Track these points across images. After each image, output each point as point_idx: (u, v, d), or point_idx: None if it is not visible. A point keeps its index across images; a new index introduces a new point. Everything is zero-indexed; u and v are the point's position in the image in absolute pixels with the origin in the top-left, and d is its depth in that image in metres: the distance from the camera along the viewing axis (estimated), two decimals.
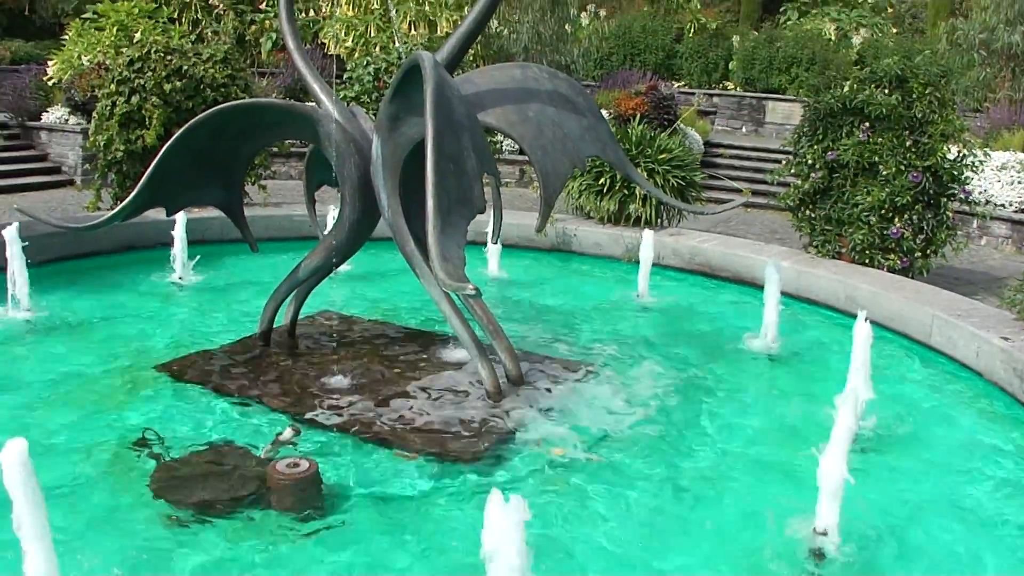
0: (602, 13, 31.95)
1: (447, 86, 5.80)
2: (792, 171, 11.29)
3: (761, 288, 8.80)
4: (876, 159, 10.40)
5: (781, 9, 33.82)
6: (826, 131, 10.86)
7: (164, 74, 12.58)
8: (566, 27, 22.71)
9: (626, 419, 6.66)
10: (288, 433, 5.88)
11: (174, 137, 7.01)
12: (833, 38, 28.06)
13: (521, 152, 16.99)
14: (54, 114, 19.17)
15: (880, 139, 10.44)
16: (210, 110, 7.18)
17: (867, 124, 10.50)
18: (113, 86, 12.73)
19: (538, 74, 7.23)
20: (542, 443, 6.14)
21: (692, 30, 29.51)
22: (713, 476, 5.92)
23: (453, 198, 5.35)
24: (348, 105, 7.46)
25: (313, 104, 7.29)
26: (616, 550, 5.03)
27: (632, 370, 7.69)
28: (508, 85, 7.00)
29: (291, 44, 7.64)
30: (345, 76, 16.24)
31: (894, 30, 30.81)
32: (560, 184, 6.85)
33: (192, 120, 7.07)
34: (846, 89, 10.92)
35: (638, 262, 10.16)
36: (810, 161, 10.86)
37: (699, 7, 31.75)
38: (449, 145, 5.43)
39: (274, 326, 7.87)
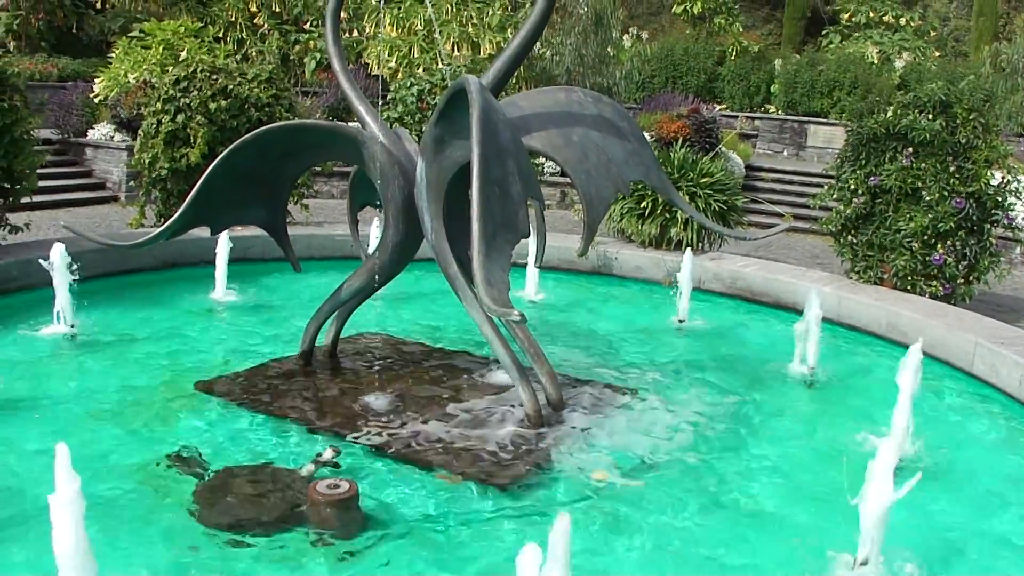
0: (644, 35, 32.02)
1: (493, 110, 5.81)
2: (834, 196, 11.22)
3: (802, 313, 8.74)
4: (919, 185, 10.33)
5: (823, 32, 33.76)
6: (869, 156, 10.80)
7: (209, 93, 12.70)
8: (608, 49, 22.74)
9: (665, 445, 6.62)
10: (329, 453, 5.89)
11: (220, 157, 7.06)
12: (876, 62, 27.98)
13: (563, 174, 16.98)
14: (100, 131, 19.40)
15: (923, 165, 10.37)
16: (256, 131, 7.22)
17: (910, 149, 10.43)
18: (159, 104, 12.86)
19: (583, 98, 7.22)
20: (582, 468, 6.11)
21: (734, 53, 29.50)
22: (752, 504, 5.87)
23: (498, 223, 5.35)
24: (392, 127, 7.48)
25: (358, 125, 7.33)
26: None
27: (672, 395, 7.64)
28: (553, 109, 7.00)
29: (336, 65, 7.68)
30: (388, 97, 16.33)
31: (937, 54, 30.70)
32: (604, 209, 6.84)
33: (237, 140, 7.12)
34: (889, 114, 10.86)
35: (676, 285, 10.13)
36: (852, 186, 10.80)
37: (741, 30, 31.71)
38: (494, 170, 5.44)
39: (315, 346, 7.89)
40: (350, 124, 7.55)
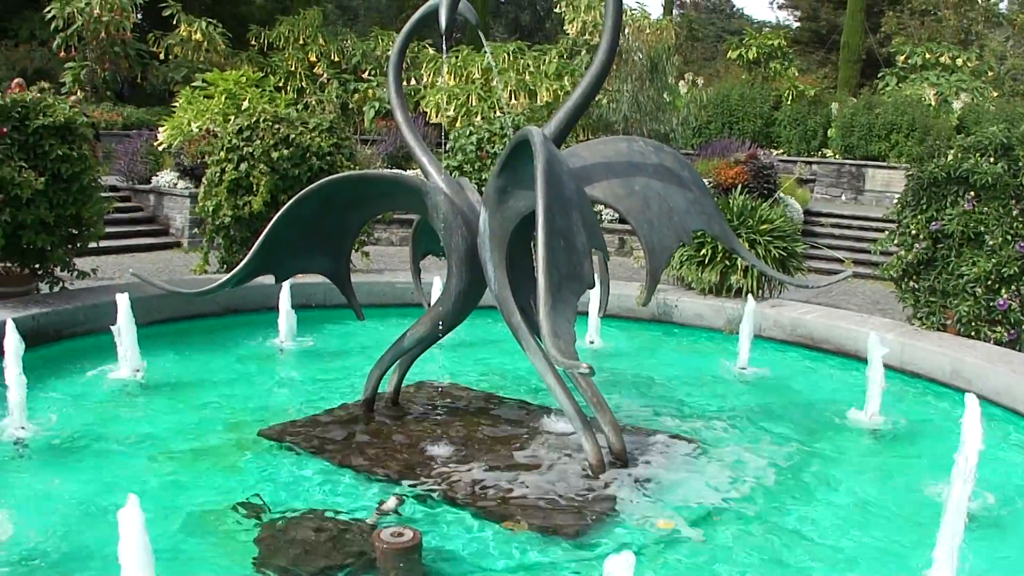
0: (700, 82, 32.06)
1: (557, 162, 5.86)
2: (895, 241, 11.13)
3: (864, 361, 8.66)
4: (982, 229, 10.21)
5: (879, 75, 33.60)
6: (930, 201, 10.69)
7: (272, 142, 12.90)
8: (664, 95, 22.80)
9: (728, 496, 6.55)
10: (392, 502, 5.91)
11: (284, 207, 7.16)
12: (933, 103, 27.77)
13: (622, 221, 17.02)
14: (163, 178, 19.76)
15: (986, 208, 10.26)
16: (319, 181, 7.33)
17: (972, 193, 10.32)
18: (223, 153, 13.09)
19: (644, 147, 7.25)
20: (646, 518, 6.08)
21: (790, 97, 29.45)
22: (819, 558, 5.79)
23: (563, 274, 5.37)
24: (452, 175, 7.56)
25: (421, 175, 7.40)
26: None
27: (734, 445, 7.58)
28: (614, 159, 7.04)
29: (399, 116, 7.78)
30: (448, 145, 16.47)
31: (995, 94, 30.41)
32: (666, 258, 6.85)
33: (303, 190, 7.22)
34: (950, 158, 10.77)
35: (739, 333, 10.08)
36: (914, 231, 10.70)
37: (796, 74, 31.67)
38: (559, 221, 5.47)
39: (378, 393, 7.93)
40: (413, 174, 7.61)
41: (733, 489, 6.68)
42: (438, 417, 7.83)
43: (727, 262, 11.78)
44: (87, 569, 5.36)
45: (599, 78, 6.86)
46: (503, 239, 6.75)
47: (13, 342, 7.32)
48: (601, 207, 17.20)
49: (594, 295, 8.58)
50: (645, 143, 7.37)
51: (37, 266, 11.10)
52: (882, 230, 19.20)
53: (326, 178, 7.42)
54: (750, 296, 10.10)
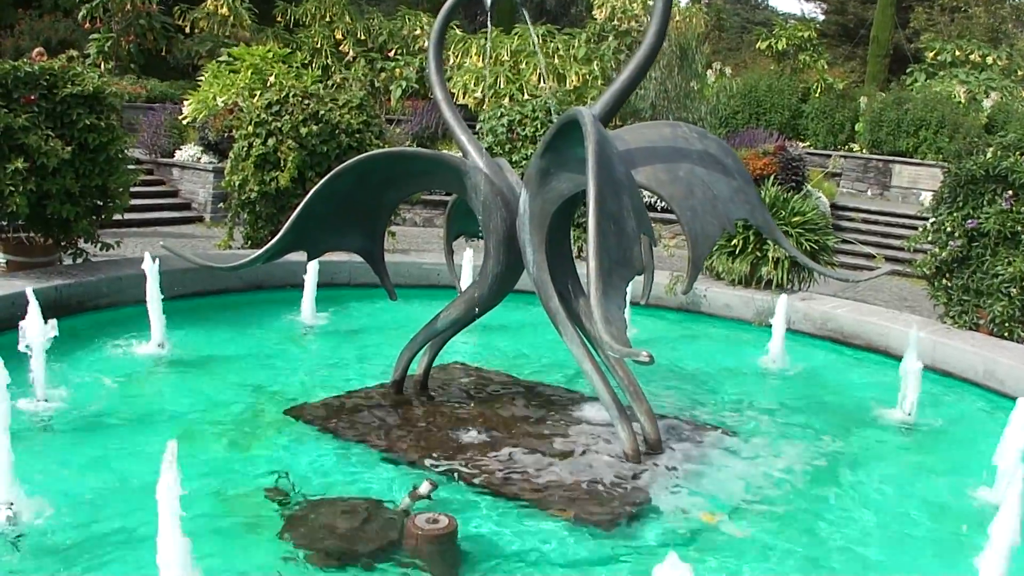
0: (728, 71, 31.82)
1: (608, 144, 5.72)
2: (929, 238, 10.96)
3: (894, 358, 8.52)
4: (1019, 228, 10.02)
5: (907, 71, 33.32)
6: (967, 198, 10.50)
7: (301, 118, 12.79)
8: (692, 84, 22.60)
9: (761, 489, 6.45)
10: (425, 487, 5.78)
11: (320, 183, 7.04)
12: (963, 101, 27.50)
13: (650, 208, 16.91)
14: (187, 152, 19.63)
15: None
16: (357, 157, 7.22)
17: (1010, 192, 10.14)
18: (250, 128, 12.97)
19: (688, 133, 7.10)
20: (682, 510, 5.96)
21: (818, 90, 29.19)
22: (853, 554, 5.68)
23: (614, 259, 5.24)
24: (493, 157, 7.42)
25: (460, 155, 7.27)
26: None
27: (766, 438, 7.47)
28: (658, 144, 6.89)
29: (439, 94, 7.65)
30: (478, 127, 16.34)
31: None
32: (709, 246, 6.71)
33: (339, 166, 7.09)
34: (988, 156, 10.59)
35: (769, 326, 9.93)
36: (949, 228, 10.52)
37: (825, 67, 31.39)
38: (611, 204, 5.33)
39: (407, 375, 7.83)
40: (453, 154, 7.48)
41: (768, 483, 6.58)
42: (469, 401, 7.72)
43: (758, 253, 11.63)
44: (108, 542, 5.30)
45: (647, 61, 6.71)
46: (543, 222, 6.62)
47: (36, 314, 7.21)
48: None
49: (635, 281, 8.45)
50: (689, 129, 7.23)
51: (61, 237, 11.01)
52: (909, 226, 19.06)
53: (364, 154, 7.31)
54: (783, 296, 9.93)
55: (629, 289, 6.43)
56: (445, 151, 8.20)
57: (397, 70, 23.69)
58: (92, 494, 5.83)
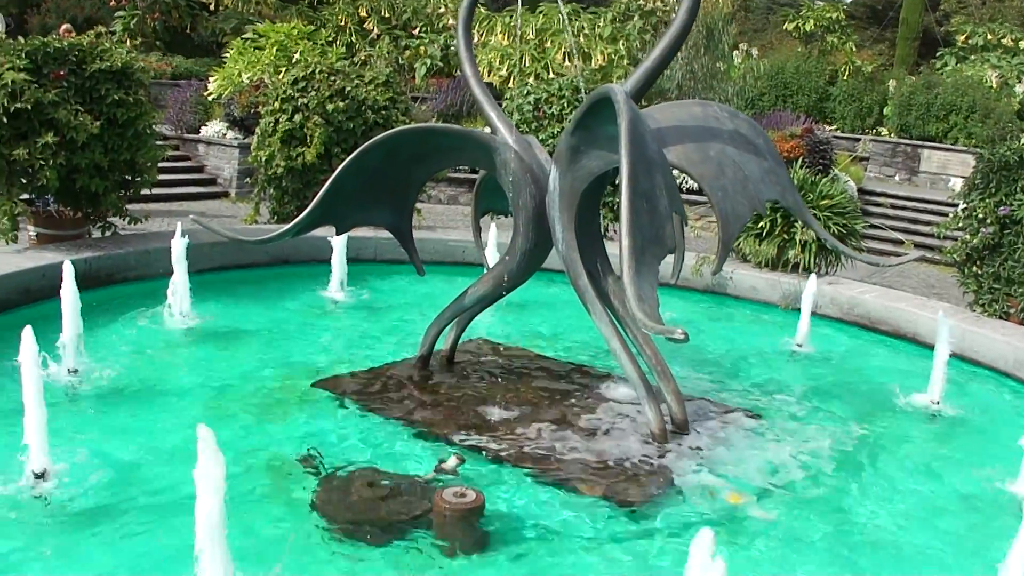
0: (754, 52, 31.60)
1: (640, 121, 5.68)
2: (960, 225, 10.86)
3: (922, 345, 8.45)
4: None
5: (937, 54, 33.00)
6: (999, 185, 10.39)
7: (327, 94, 12.79)
8: (719, 64, 22.48)
9: (787, 473, 6.42)
10: (452, 461, 5.80)
11: (350, 157, 7.02)
12: (995, 86, 27.22)
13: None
14: (212, 128, 19.67)
15: None
16: (386, 132, 7.20)
17: None
18: (277, 103, 12.98)
19: (719, 113, 7.06)
20: (707, 490, 5.95)
21: (846, 72, 28.95)
22: (877, 540, 5.65)
23: (646, 237, 5.20)
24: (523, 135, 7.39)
25: (490, 132, 7.25)
26: None
27: (792, 422, 7.43)
28: (689, 123, 6.85)
29: (468, 70, 7.62)
30: (504, 105, 16.31)
31: None
32: (739, 227, 6.67)
33: (368, 141, 7.08)
34: (1022, 141, 10.47)
35: (795, 310, 9.88)
36: (980, 215, 10.41)
37: (853, 49, 31.13)
38: (643, 182, 5.30)
39: (434, 350, 7.84)
40: (482, 131, 7.45)
41: (794, 466, 6.55)
42: (496, 377, 7.73)
43: (785, 236, 11.56)
44: (134, 506, 5.36)
45: (679, 39, 6.67)
46: (573, 199, 6.60)
47: (70, 285, 7.25)
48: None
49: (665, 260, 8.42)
50: (720, 108, 7.19)
51: (90, 210, 11.06)
52: (938, 212, 18.95)
53: (393, 129, 7.29)
54: (812, 278, 9.87)
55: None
56: (474, 128, 8.15)
57: (421, 48, 23.62)
58: (119, 460, 5.88)
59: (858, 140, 25.94)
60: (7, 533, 4.97)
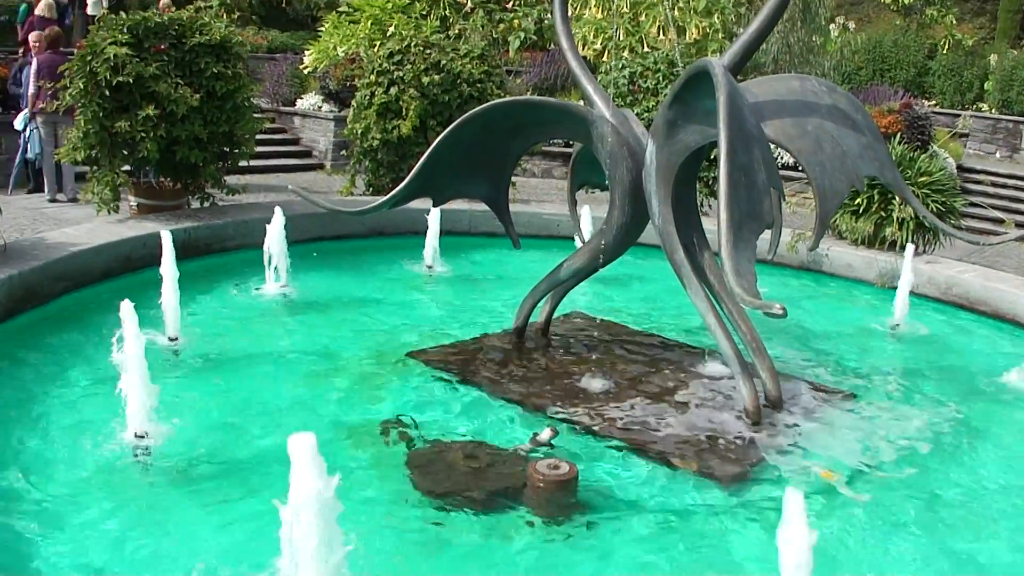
0: (851, 25, 31.00)
1: (739, 95, 5.65)
2: None
3: (1022, 326, 8.23)
4: None
5: None
6: None
7: (423, 67, 12.89)
8: (815, 38, 22.08)
9: (881, 454, 6.32)
10: (547, 434, 5.84)
11: (447, 130, 7.07)
12: None
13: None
14: (308, 101, 19.89)
15: None
16: (485, 105, 7.25)
17: None
18: (373, 76, 13.12)
19: (817, 87, 6.98)
20: (801, 469, 5.91)
21: (946, 46, 28.31)
22: (976, 526, 5.54)
23: (744, 212, 5.18)
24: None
25: (587, 105, 7.25)
26: None
27: (887, 402, 7.33)
28: (787, 97, 6.78)
29: (565, 43, 7.63)
30: (599, 79, 16.26)
31: None
32: (837, 203, 6.60)
33: (466, 114, 7.13)
34: None
35: (891, 288, 9.74)
36: None
37: (954, 22, 30.41)
38: (741, 157, 5.27)
39: (528, 323, 7.89)
40: (579, 104, 7.46)
41: (888, 448, 6.43)
42: (590, 350, 7.75)
43: (882, 213, 11.37)
44: (232, 469, 5.50)
45: (777, 12, 6.58)
46: (670, 173, 6.57)
47: (170, 255, 7.43)
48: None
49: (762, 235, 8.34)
50: (818, 82, 7.10)
51: (189, 181, 11.29)
52: None
53: (491, 102, 7.33)
54: (910, 250, 9.69)
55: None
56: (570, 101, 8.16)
57: (515, 21, 23.56)
58: (216, 425, 6.06)
59: (958, 116, 25.36)
60: (109, 494, 5.13)
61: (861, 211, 11.42)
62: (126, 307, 5.63)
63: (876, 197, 11.27)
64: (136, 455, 5.51)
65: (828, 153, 6.53)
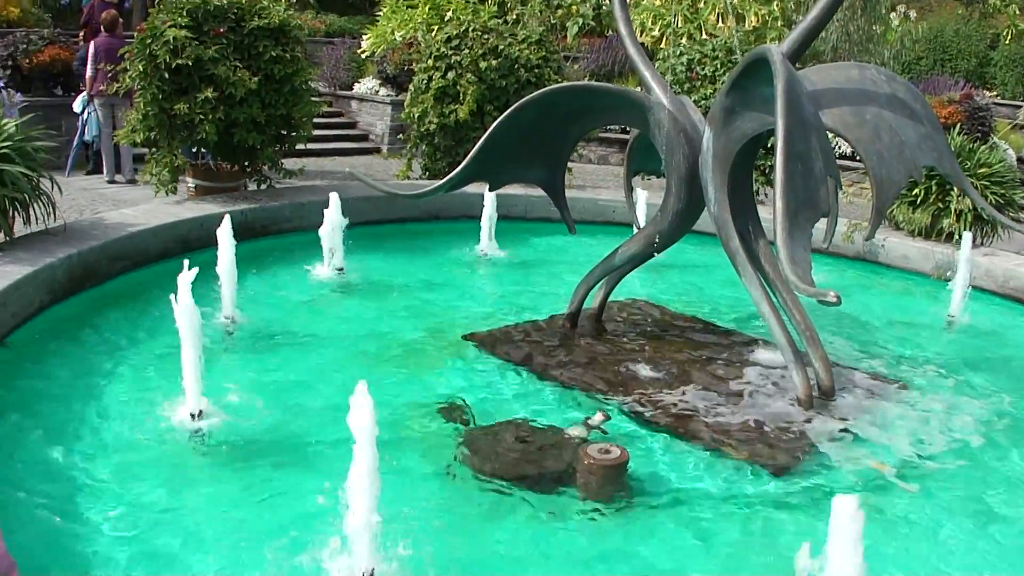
0: (912, 14, 30.65)
1: (797, 83, 5.64)
2: None
3: None
4: None
5: None
6: None
7: (480, 52, 12.92)
8: (875, 27, 21.84)
9: (933, 447, 6.27)
10: (598, 417, 5.87)
11: (505, 114, 7.12)
12: None
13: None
14: (365, 85, 20.02)
15: None
16: (543, 90, 7.28)
17: None
18: (430, 61, 13.18)
19: (876, 76, 6.93)
20: (852, 459, 5.90)
21: (1008, 36, 27.89)
22: (1021, 518, 5.49)
23: (800, 200, 5.19)
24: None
25: (644, 91, 7.26)
26: None
27: (942, 394, 7.26)
28: (845, 85, 6.75)
29: (623, 30, 7.63)
30: (656, 66, 16.23)
31: None
32: (895, 193, 6.56)
33: (524, 98, 7.17)
34: None
35: (947, 280, 9.65)
36: None
37: (1017, 12, 29.95)
38: (799, 144, 5.27)
39: (583, 308, 7.93)
40: (637, 90, 7.47)
41: (941, 441, 6.38)
42: (643, 337, 7.77)
43: (940, 204, 11.25)
44: (283, 446, 5.58)
45: (836, 1, 6.56)
46: (726, 161, 6.58)
47: (228, 237, 7.54)
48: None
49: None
50: (877, 71, 7.05)
51: (247, 163, 11.42)
52: None
53: (549, 87, 7.36)
54: (967, 240, 9.59)
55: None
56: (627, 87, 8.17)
57: (574, 7, 23.52)
58: (271, 403, 6.13)
59: (1019, 107, 24.98)
60: (164, 470, 5.24)
61: (918, 202, 11.32)
62: (184, 279, 5.70)
63: (934, 188, 11.17)
64: (191, 433, 5.60)
65: (886, 142, 6.50)
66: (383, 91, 19.59)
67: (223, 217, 7.63)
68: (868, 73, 6.98)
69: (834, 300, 4.67)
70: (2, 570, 2.74)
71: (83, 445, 5.49)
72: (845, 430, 6.27)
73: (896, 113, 6.68)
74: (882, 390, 7.08)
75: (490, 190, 8.08)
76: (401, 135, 15.82)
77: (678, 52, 13.75)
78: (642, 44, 20.70)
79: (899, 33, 26.68)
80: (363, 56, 20.83)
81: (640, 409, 6.31)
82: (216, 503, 4.97)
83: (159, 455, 5.40)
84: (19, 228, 8.29)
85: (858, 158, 6.63)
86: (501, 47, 12.96)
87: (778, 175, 5.13)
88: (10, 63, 15.09)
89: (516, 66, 12.95)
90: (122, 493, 4.98)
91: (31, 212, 8.21)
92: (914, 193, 11.32)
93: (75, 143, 14.16)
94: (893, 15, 27.89)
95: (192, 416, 5.67)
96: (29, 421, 5.72)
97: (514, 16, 22.72)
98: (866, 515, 3.75)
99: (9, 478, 5.03)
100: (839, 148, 16.62)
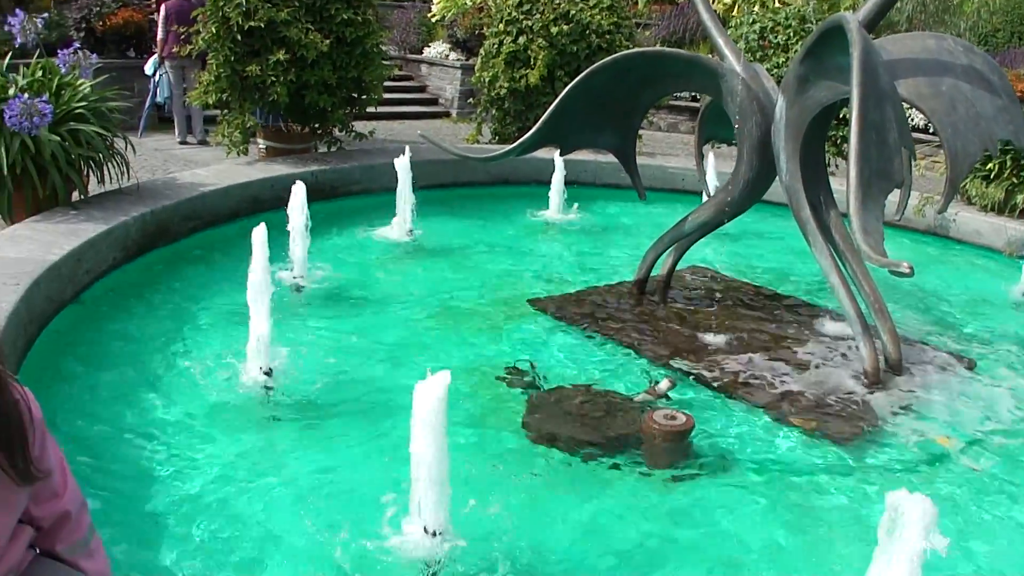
0: None
1: (873, 52, 5.59)
2: None
3: None
4: None
5: None
6: None
7: (551, 17, 12.91)
8: None
9: (1000, 426, 6.15)
10: (665, 384, 5.90)
11: (577, 79, 7.13)
12: None
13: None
14: (435, 49, 20.07)
15: None
16: (615, 55, 7.28)
17: None
18: (501, 26, 13.18)
19: (953, 47, 6.83)
20: (915, 435, 5.85)
21: None
22: None
23: (874, 170, 5.15)
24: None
25: (717, 58, 7.23)
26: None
27: (1011, 373, 7.13)
28: (921, 56, 6.67)
29: None
30: (729, 33, 16.07)
31: None
32: (969, 166, 6.46)
33: (597, 63, 7.17)
34: None
35: (1020, 257, 9.51)
36: None
37: None
38: (873, 114, 5.23)
39: (651, 275, 7.94)
40: (709, 56, 7.43)
41: (1009, 420, 6.27)
42: (711, 305, 7.78)
43: (1014, 179, 11.07)
44: (349, 408, 5.64)
45: None
46: (799, 129, 6.53)
47: (300, 198, 7.64)
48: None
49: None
50: (955, 42, 6.94)
51: (317, 125, 11.52)
52: None
53: (622, 53, 7.35)
54: None
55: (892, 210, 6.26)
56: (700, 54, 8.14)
57: None
58: (341, 363, 6.22)
59: None
60: (236, 426, 5.32)
61: (992, 176, 11.15)
62: (257, 239, 5.80)
63: (1008, 163, 10.98)
64: (260, 390, 5.68)
65: (961, 114, 6.41)
66: (453, 55, 19.63)
67: (294, 179, 7.73)
68: (945, 44, 6.88)
69: (907, 271, 4.65)
70: (74, 509, 2.83)
71: (153, 398, 5.60)
72: (911, 404, 6.23)
73: (972, 85, 6.58)
74: (950, 366, 7.01)
75: (561, 155, 8.12)
76: (471, 99, 15.87)
77: (751, 20, 13.62)
78: (715, 12, 20.63)
79: (976, 4, 26.14)
80: (433, 20, 20.85)
81: (706, 376, 6.32)
82: (282, 458, 5.03)
83: (227, 410, 5.48)
84: (93, 187, 8.47)
85: (932, 130, 6.55)
86: (572, 12, 12.93)
87: (853, 144, 5.10)
88: (84, 25, 15.34)
89: (587, 31, 12.93)
90: (190, 447, 5.07)
91: (105, 171, 8.38)
92: (988, 167, 11.14)
93: (147, 105, 14.37)
94: None
95: (262, 372, 5.76)
96: (101, 375, 5.85)
97: None
98: (931, 491, 3.71)
99: (80, 435, 5.13)
100: (913, 120, 16.38)
